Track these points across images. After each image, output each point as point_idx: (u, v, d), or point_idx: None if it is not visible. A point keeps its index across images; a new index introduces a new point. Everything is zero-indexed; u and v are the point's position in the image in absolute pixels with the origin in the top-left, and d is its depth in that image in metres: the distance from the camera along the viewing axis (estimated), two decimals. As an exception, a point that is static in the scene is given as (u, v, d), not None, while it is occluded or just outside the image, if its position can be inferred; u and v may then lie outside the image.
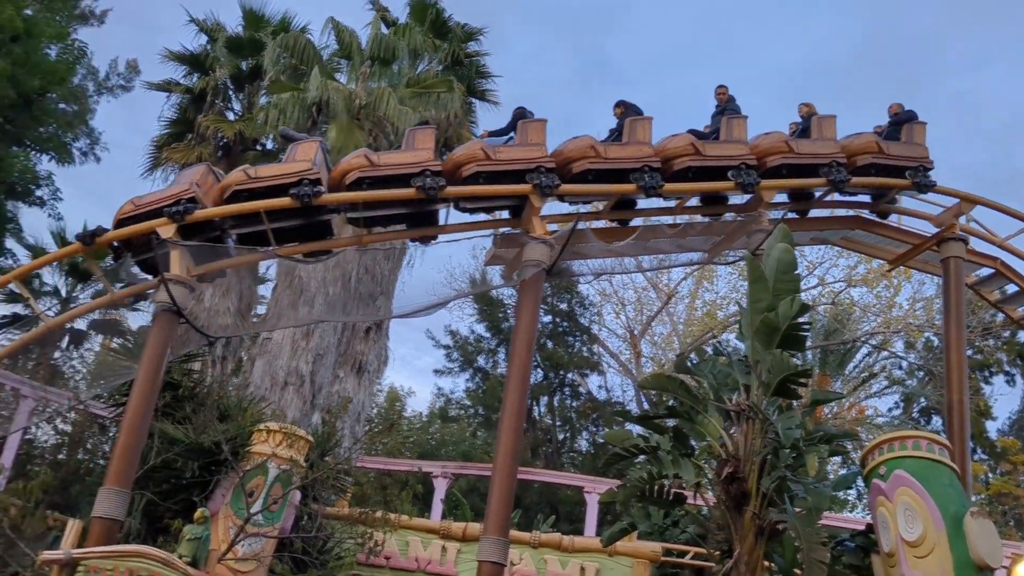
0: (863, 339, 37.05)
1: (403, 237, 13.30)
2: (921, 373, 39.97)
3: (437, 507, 24.20)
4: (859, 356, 38.18)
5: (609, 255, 12.90)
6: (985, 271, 14.81)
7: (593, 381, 38.27)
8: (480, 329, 37.55)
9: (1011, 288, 15.13)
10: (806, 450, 9.30)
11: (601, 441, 36.14)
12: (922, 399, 40.10)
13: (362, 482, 14.29)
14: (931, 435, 10.30)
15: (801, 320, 9.84)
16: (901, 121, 14.08)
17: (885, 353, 39.50)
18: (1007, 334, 41.63)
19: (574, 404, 36.38)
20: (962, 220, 13.99)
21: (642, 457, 11.18)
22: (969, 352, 39.78)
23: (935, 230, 14.03)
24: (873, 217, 14.41)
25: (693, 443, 11.23)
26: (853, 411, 37.50)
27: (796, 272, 10.53)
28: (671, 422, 11.32)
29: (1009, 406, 42.82)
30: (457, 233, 12.23)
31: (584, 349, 36.08)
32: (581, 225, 11.95)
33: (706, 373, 11.12)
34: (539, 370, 36.73)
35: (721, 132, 13.16)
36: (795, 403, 10.49)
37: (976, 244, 14.46)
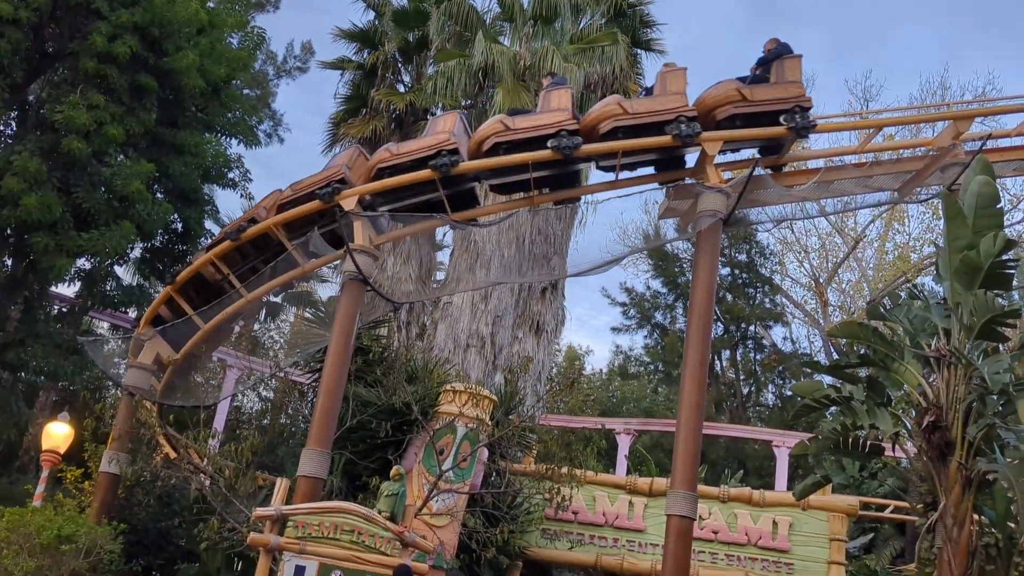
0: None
1: (579, 194, 13.21)
2: None
3: (621, 463, 24.31)
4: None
5: (789, 200, 12.36)
6: None
7: (777, 333, 37.18)
8: (656, 285, 37.18)
9: None
10: (1016, 396, 8.62)
11: (789, 394, 35.12)
12: None
13: (547, 439, 14.50)
14: None
15: (1006, 257, 9.10)
16: (770, 59, 12.44)
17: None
18: None
19: (758, 357, 35.48)
20: None
21: (834, 408, 10.77)
22: None
23: None
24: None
25: (889, 392, 10.70)
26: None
27: (999, 207, 9.73)
28: (864, 372, 10.82)
29: None
30: (629, 188, 12.07)
31: (766, 300, 35.00)
32: (758, 171, 11.46)
33: (901, 318, 10.52)
34: (719, 324, 35.98)
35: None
36: (1002, 346, 9.75)
37: None
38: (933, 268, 34.46)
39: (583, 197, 13.95)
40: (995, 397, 9.08)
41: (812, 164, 14.74)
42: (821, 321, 35.95)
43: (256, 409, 19.76)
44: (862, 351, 11.16)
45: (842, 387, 10.66)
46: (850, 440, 10.47)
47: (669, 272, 35.57)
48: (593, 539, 15.21)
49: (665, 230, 29.27)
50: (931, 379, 10.04)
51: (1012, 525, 10.21)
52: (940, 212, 34.64)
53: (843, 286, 36.94)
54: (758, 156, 11.93)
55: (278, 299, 31.59)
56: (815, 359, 36.92)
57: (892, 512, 18.21)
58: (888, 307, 11.12)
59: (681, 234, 14.00)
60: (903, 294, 11.41)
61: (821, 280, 35.23)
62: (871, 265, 36.86)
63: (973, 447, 9.47)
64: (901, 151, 13.05)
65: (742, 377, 35.79)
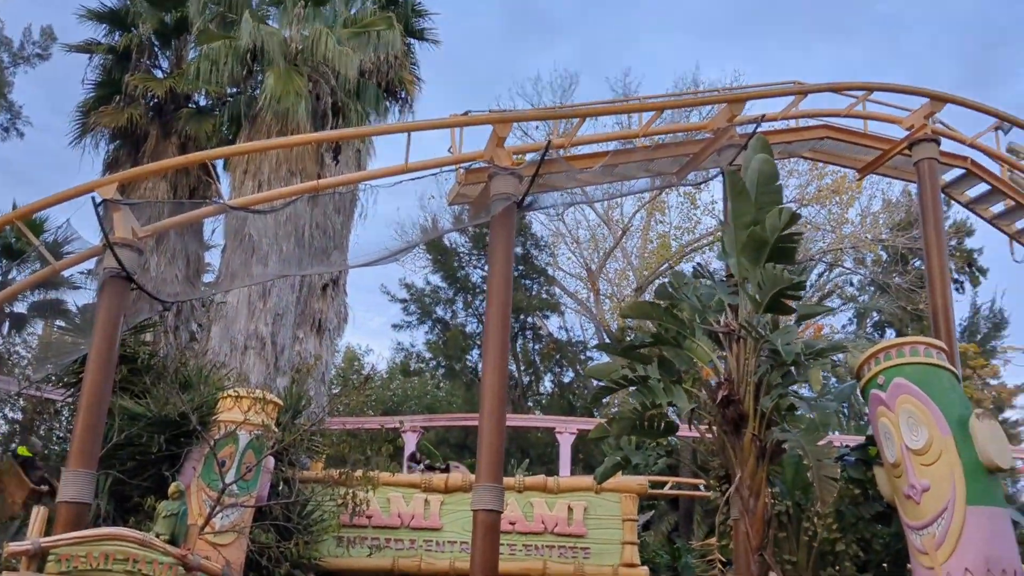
0: (817, 257, 37.22)
1: (359, 180, 12.53)
2: (872, 288, 40.36)
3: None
4: (812, 276, 38.32)
5: (578, 184, 12.34)
6: (955, 172, 14.56)
7: (553, 323, 37.99)
8: (436, 280, 36.91)
9: (982, 188, 14.89)
10: (808, 365, 8.91)
11: (567, 381, 36.00)
12: (875, 314, 40.58)
13: (338, 442, 13.73)
14: (928, 340, 10.01)
15: (791, 231, 9.40)
16: None
17: (837, 271, 39.81)
18: (953, 242, 42.23)
19: (536, 347, 36.05)
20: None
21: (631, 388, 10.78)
22: (916, 263, 40.58)
23: (905, 134, 13.68)
24: (842, 124, 14.02)
25: (681, 370, 10.86)
26: (809, 331, 37.85)
27: (778, 183, 10.05)
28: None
29: (959, 313, 43.56)
30: (420, 171, 11.54)
31: (543, 291, 35.66)
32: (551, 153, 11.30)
33: (689, 296, 10.67)
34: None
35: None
36: (784, 319, 10.10)
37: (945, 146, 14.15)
38: (693, 255, 36.75)
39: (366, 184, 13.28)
40: (786, 368, 9.36)
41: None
42: (594, 310, 37.14)
43: (2, 431, 17.52)
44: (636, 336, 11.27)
45: (636, 368, 10.71)
46: (648, 419, 10.55)
47: (448, 266, 35.41)
48: (390, 542, 14.62)
49: (443, 223, 29.01)
50: (722, 354, 10.26)
51: (799, 493, 10.67)
52: (697, 202, 36.80)
53: (610, 275, 38.41)
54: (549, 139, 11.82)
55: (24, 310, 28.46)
56: (588, 346, 38.17)
57: (686, 488, 18.86)
58: (674, 286, 11.29)
59: (471, 220, 13.64)
60: (688, 271, 11.65)
61: (592, 270, 36.37)
62: (635, 254, 38.55)
63: (765, 418, 9.73)
64: (678, 135, 13.37)
65: (522, 368, 36.25)
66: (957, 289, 42.59)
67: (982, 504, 9.07)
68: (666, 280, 11.40)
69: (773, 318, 10.22)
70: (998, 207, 15.32)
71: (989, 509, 9.15)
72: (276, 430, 11.73)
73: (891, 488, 9.71)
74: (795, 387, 9.66)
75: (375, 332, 77.94)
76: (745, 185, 9.85)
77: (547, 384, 37.35)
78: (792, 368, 9.29)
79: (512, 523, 14.83)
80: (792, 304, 9.50)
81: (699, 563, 11.54)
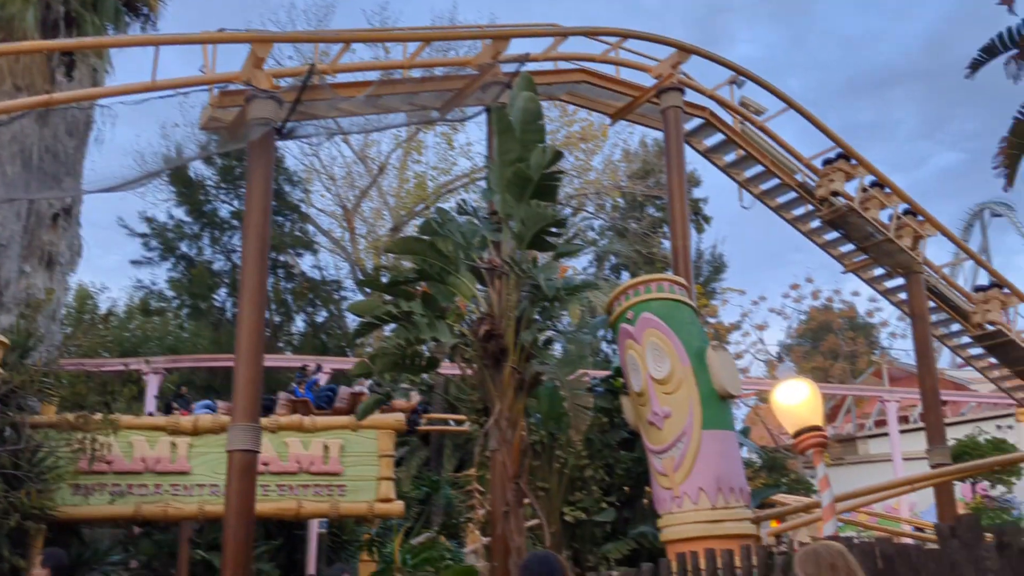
0: (563, 203, 38.72)
1: (100, 96, 11.39)
2: (611, 232, 42.61)
3: (152, 405, 22.50)
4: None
5: (339, 114, 11.92)
6: (696, 121, 15.52)
7: (306, 261, 37.08)
8: (180, 214, 34.73)
9: (718, 137, 15.99)
10: (568, 300, 9.22)
11: (320, 321, 35.36)
12: (612, 256, 42.99)
13: (73, 384, 12.64)
14: (672, 277, 10.67)
15: (555, 169, 9.61)
16: None
17: (580, 216, 41.62)
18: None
19: (289, 286, 35.02)
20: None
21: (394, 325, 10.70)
22: (651, 210, 43.37)
23: (654, 82, 14.36)
24: (597, 69, 14.50)
25: (444, 305, 10.91)
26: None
27: (542, 122, 10.22)
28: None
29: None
30: (168, 90, 10.65)
31: (296, 229, 34.60)
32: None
33: (453, 233, 10.69)
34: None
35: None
36: (549, 256, 10.39)
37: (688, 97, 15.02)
38: (450, 196, 37.01)
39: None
40: (546, 303, 9.63)
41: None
42: (349, 248, 36.61)
43: None
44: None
45: (399, 303, 10.63)
46: (411, 355, 10.54)
47: (194, 200, 33.40)
48: (132, 488, 13.77)
49: (188, 151, 27.23)
50: (484, 290, 10.40)
51: (553, 423, 11.11)
52: (454, 143, 36.98)
53: (365, 215, 37.95)
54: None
55: None
56: (342, 285, 37.67)
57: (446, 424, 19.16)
58: (440, 223, 11.27)
59: (222, 147, 12.84)
60: (452, 208, 11.65)
61: (349, 208, 35.75)
62: (392, 194, 38.28)
63: (525, 352, 10.01)
64: (443, 69, 13.25)
65: (273, 307, 35.13)
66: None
67: (715, 428, 9.87)
68: (431, 217, 11.36)
69: (533, 255, 10.47)
70: (730, 156, 16.55)
71: (721, 432, 9.98)
72: (2, 371, 10.60)
73: (636, 416, 10.34)
74: (551, 322, 9.97)
75: (111, 271, 72.75)
76: (511, 122, 9.93)
77: (299, 324, 36.54)
78: (551, 303, 9.57)
79: (266, 463, 14.40)
80: (552, 241, 9.76)
81: (457, 494, 11.79)
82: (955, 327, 18.00)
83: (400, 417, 15.37)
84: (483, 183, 35.57)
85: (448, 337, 10.20)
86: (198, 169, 33.78)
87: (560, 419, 11.01)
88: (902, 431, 34.19)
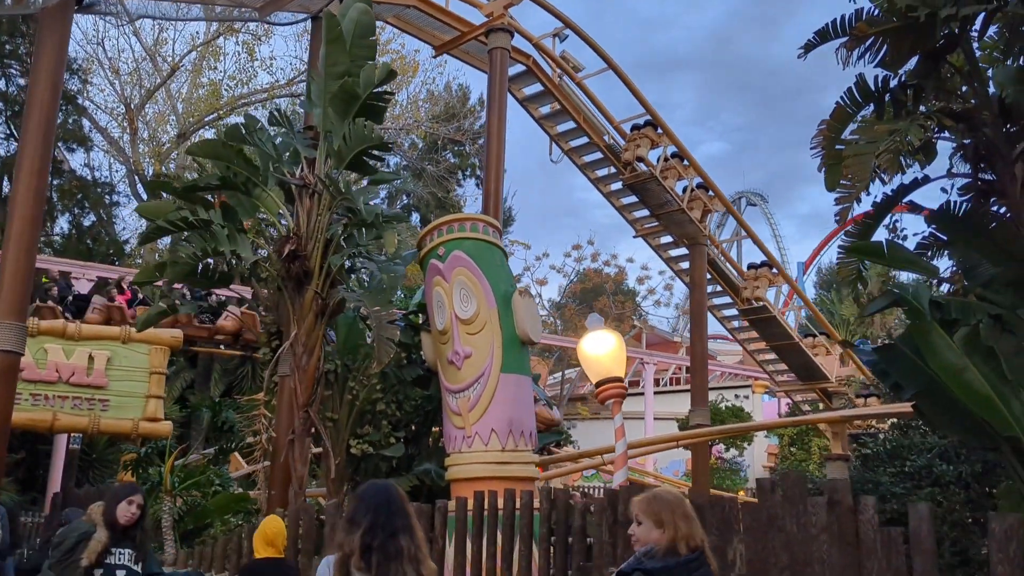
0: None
1: None
2: (407, 172, 42.27)
3: None
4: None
5: (147, -3, 10.81)
6: (518, 68, 15.44)
7: (77, 158, 34.00)
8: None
9: (537, 88, 16.01)
10: (385, 227, 8.88)
11: (87, 225, 32.65)
12: (404, 196, 42.72)
13: None
14: (486, 218, 10.52)
15: (385, 89, 9.18)
16: None
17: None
18: (481, 141, 45.73)
19: (56, 183, 31.95)
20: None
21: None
22: (448, 155, 43.40)
23: (484, 19, 14.11)
24: (431, -2, 14.06)
25: (241, 219, 10.26)
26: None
27: (374, 37, 9.74)
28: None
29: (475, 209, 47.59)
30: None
31: (69, 121, 31.50)
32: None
33: (264, 143, 10.02)
34: (11, 140, 31.45)
35: None
36: (364, 180, 9.97)
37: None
38: (244, 108, 35.04)
39: None
40: (361, 229, 9.26)
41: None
42: (128, 150, 33.94)
43: None
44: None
45: (198, 211, 9.88)
46: (204, 268, 9.86)
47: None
48: None
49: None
50: (291, 207, 9.86)
51: (348, 354, 10.77)
52: (256, 54, 35.02)
53: (148, 117, 35.30)
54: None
55: None
56: (115, 188, 34.99)
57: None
58: (248, 130, 10.53)
59: (3, 10, 11.34)
60: (262, 118, 10.92)
61: (133, 106, 33.06)
62: (181, 99, 35.80)
63: (331, 276, 9.60)
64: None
65: (33, 203, 31.96)
66: (477, 184, 46.58)
67: (513, 372, 9.91)
68: (238, 123, 10.59)
69: (352, 176, 10.05)
70: (546, 108, 16.65)
71: (518, 377, 10.04)
72: None
73: (435, 353, 10.21)
74: (362, 248, 9.61)
75: None
76: (342, 32, 9.38)
77: (63, 225, 33.53)
78: (366, 229, 9.21)
79: (20, 369, 13.14)
80: (373, 164, 9.36)
81: (241, 418, 11.23)
82: (726, 299, 19.22)
83: (177, 334, 14.46)
84: (281, 101, 33.91)
85: (248, 253, 9.62)
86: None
87: (356, 350, 10.70)
88: (655, 392, 36.46)
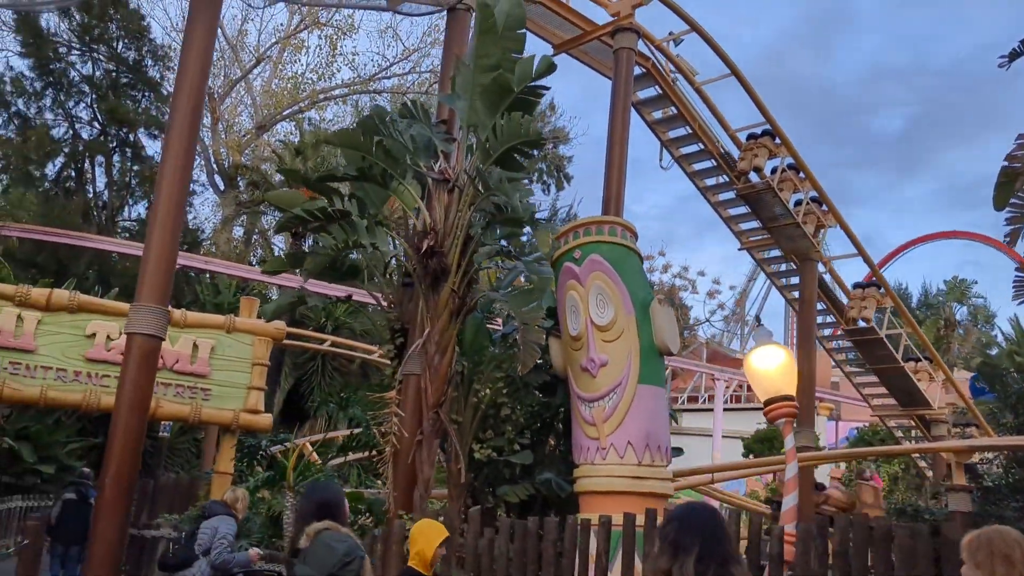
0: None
1: None
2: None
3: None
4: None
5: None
6: (638, 70, 15.01)
7: (156, 146, 34.25)
8: (22, 66, 31.20)
9: (653, 92, 15.57)
10: (543, 226, 8.51)
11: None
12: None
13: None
14: (623, 221, 10.12)
15: (541, 84, 8.82)
16: None
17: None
18: (550, 146, 45.44)
19: (135, 168, 32.26)
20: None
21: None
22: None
23: (610, 19, 13.71)
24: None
25: (374, 213, 9.98)
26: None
27: (523, 30, 9.38)
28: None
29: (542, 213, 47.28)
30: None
31: (153, 107, 31.77)
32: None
33: (402, 134, 9.71)
34: (95, 124, 31.83)
35: None
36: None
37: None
38: (327, 104, 35.08)
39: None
40: (508, 226, 8.91)
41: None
42: (208, 138, 34.15)
43: None
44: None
45: (334, 201, 9.62)
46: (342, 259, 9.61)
47: (43, 54, 29.95)
48: (-40, 359, 12.11)
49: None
50: (430, 202, 9.54)
51: (476, 354, 10.43)
52: (339, 49, 34.99)
53: (225, 108, 35.46)
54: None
55: None
56: (193, 176, 35.15)
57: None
58: (380, 121, 10.24)
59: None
60: (388, 107, 10.64)
61: (216, 94, 33.25)
62: (259, 90, 35.95)
63: (468, 275, 9.28)
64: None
65: (114, 188, 32.32)
66: (543, 190, 46.27)
67: (651, 384, 9.51)
68: (370, 112, 10.32)
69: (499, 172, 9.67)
70: (658, 113, 16.20)
71: (655, 389, 9.64)
72: None
73: (565, 360, 9.83)
74: (509, 247, 9.27)
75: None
76: (495, 23, 9.05)
77: (140, 210, 33.83)
78: (516, 227, 8.86)
79: (123, 353, 13.05)
80: (522, 161, 9.00)
81: (370, 415, 10.92)
82: (828, 319, 18.60)
83: (281, 326, 14.26)
84: (363, 98, 33.68)
85: (387, 246, 9.33)
86: (53, 21, 30.38)
87: (482, 351, 10.36)
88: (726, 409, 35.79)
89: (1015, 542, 3.21)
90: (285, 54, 35.05)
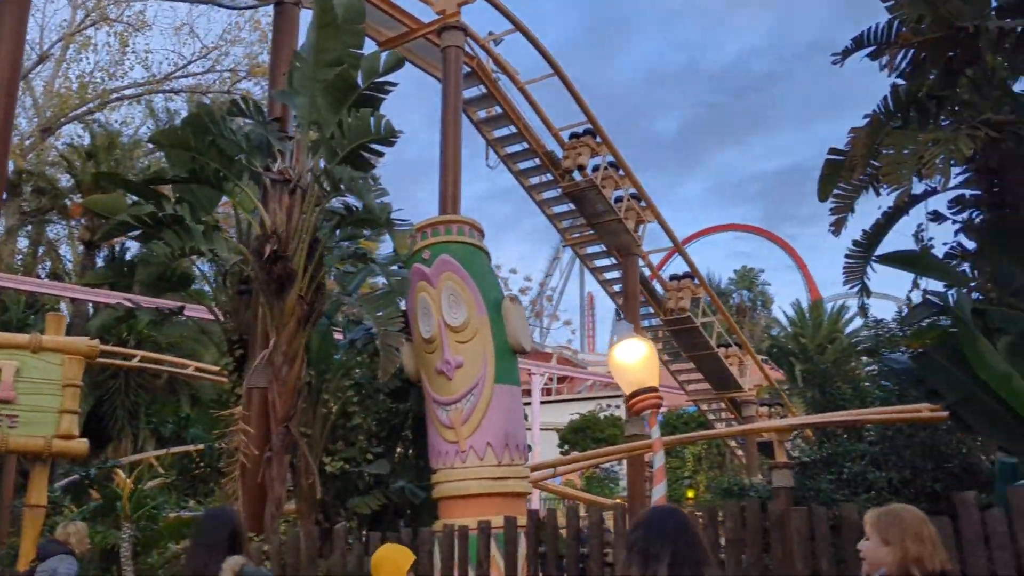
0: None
1: None
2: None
3: None
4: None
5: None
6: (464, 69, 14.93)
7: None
8: None
9: (478, 91, 15.56)
10: (399, 229, 8.21)
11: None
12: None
13: None
14: (470, 220, 9.99)
15: (388, 80, 8.54)
16: None
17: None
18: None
19: None
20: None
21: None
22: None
23: (436, 16, 13.56)
24: (381, -9, 13.37)
25: (202, 217, 9.36)
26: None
27: (362, 25, 9.09)
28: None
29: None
30: None
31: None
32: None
33: (235, 134, 9.16)
34: None
35: None
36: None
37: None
38: (119, 104, 32.85)
39: None
40: (358, 228, 8.59)
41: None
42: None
43: None
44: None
45: (164, 205, 8.94)
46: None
47: None
48: None
49: None
50: (270, 204, 9.05)
51: (323, 363, 10.01)
52: (130, 44, 32.90)
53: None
54: None
55: None
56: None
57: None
58: (212, 120, 9.61)
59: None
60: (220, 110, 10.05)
61: (-10, 96, 30.33)
62: (42, 90, 33.22)
63: (316, 280, 8.87)
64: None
65: None
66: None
67: (507, 383, 9.45)
68: (196, 111, 9.68)
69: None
70: (483, 113, 16.22)
71: (511, 388, 9.59)
72: None
73: (418, 364, 9.60)
74: (358, 249, 8.93)
75: None
76: (336, 17, 8.69)
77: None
78: (369, 228, 8.54)
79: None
80: (371, 159, 8.70)
81: (206, 434, 10.17)
82: (647, 310, 19.29)
83: (94, 343, 13.12)
84: (156, 98, 31.78)
85: (226, 252, 8.77)
86: None
87: (329, 359, 9.96)
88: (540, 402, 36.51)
89: (922, 520, 3.25)
90: (70, 51, 32.53)
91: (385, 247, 18.23)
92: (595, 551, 6.17)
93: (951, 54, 7.93)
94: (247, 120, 9.52)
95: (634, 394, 7.71)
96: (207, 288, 10.47)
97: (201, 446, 10.53)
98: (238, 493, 8.69)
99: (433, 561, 7.00)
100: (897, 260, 7.59)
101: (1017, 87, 8.13)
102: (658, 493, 7.46)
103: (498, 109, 15.70)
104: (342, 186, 8.16)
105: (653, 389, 7.70)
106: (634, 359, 7.75)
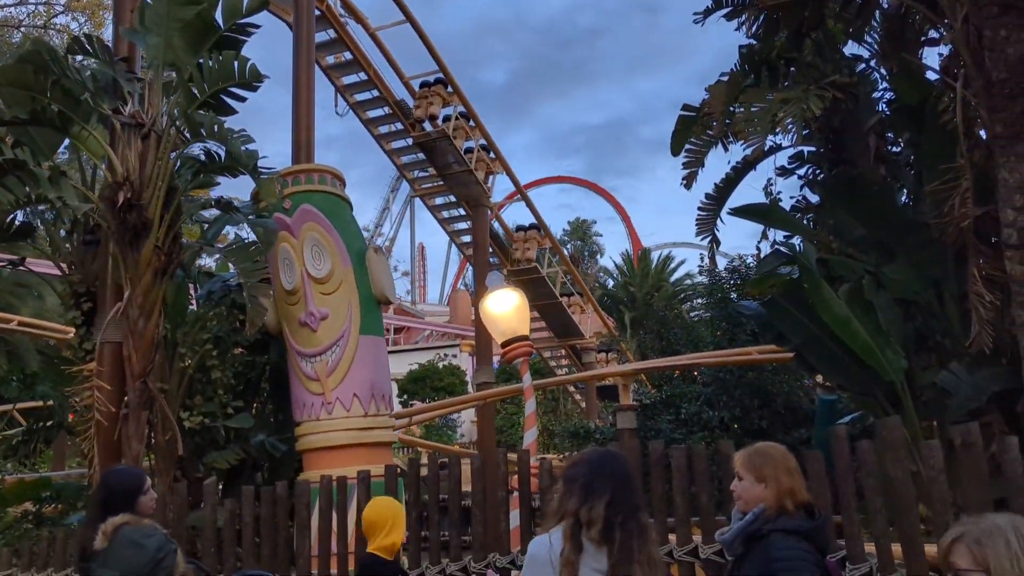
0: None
1: None
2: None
3: None
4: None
5: None
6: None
7: None
8: None
9: (326, 35, 15.15)
10: (264, 176, 7.95)
11: None
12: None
13: None
14: (331, 169, 9.86)
15: (250, 22, 8.20)
16: None
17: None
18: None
19: None
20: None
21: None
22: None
23: (286, -44, 13.08)
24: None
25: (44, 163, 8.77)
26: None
27: (219, -38, 8.66)
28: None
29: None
30: None
31: None
32: None
33: (83, 76, 8.58)
34: None
35: None
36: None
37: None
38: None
39: None
40: (210, 175, 8.29)
41: None
42: None
43: None
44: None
45: (3, 149, 8.30)
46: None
47: None
48: None
49: None
50: (121, 150, 8.57)
51: (178, 316, 9.65)
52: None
53: None
54: None
55: None
56: None
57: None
58: (52, 57, 8.96)
59: None
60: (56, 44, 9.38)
61: None
62: None
63: (173, 230, 8.51)
64: None
65: None
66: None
67: (372, 334, 9.49)
68: (31, 48, 8.98)
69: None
70: (331, 58, 15.83)
71: (376, 339, 9.63)
72: None
73: (280, 315, 9.45)
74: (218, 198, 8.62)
75: None
76: (190, -49, 8.24)
77: None
78: (229, 175, 8.25)
79: None
80: (233, 104, 8.37)
81: (59, 393, 9.55)
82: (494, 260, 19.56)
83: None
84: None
85: (75, 200, 8.28)
86: None
87: (184, 311, 9.63)
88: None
89: (787, 454, 3.36)
90: None
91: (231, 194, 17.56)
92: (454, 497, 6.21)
93: (801, 18, 8.46)
94: (89, 60, 8.95)
95: (507, 343, 7.93)
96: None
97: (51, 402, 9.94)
98: (93, 452, 8.31)
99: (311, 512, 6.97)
100: (749, 212, 8.08)
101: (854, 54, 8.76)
102: (530, 438, 7.75)
103: (347, 55, 15.36)
104: (203, 131, 7.81)
105: (525, 338, 7.95)
106: (506, 309, 7.96)
